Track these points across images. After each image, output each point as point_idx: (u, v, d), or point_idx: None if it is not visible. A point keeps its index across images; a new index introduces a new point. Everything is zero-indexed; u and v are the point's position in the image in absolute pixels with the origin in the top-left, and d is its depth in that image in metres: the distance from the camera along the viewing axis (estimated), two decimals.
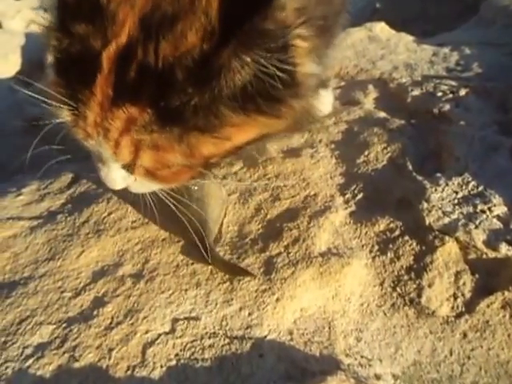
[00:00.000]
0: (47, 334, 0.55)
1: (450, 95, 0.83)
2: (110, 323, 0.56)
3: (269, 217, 0.67)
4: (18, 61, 1.82)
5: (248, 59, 0.39)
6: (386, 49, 1.10)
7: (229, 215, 0.68)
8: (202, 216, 0.62)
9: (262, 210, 0.68)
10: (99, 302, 0.58)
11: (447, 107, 0.80)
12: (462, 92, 0.84)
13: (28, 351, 0.54)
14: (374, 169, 0.72)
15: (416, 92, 0.87)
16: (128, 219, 0.69)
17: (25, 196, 0.78)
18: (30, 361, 0.53)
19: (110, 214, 0.70)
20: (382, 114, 0.84)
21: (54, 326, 0.56)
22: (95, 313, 0.57)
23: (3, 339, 0.56)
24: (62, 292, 0.60)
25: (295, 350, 0.52)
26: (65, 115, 0.47)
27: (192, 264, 0.61)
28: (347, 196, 0.69)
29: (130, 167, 0.49)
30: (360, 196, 0.68)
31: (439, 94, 0.85)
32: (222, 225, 0.66)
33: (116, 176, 0.50)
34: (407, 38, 1.15)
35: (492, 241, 0.58)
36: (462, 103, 0.81)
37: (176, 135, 0.44)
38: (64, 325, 0.56)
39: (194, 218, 0.60)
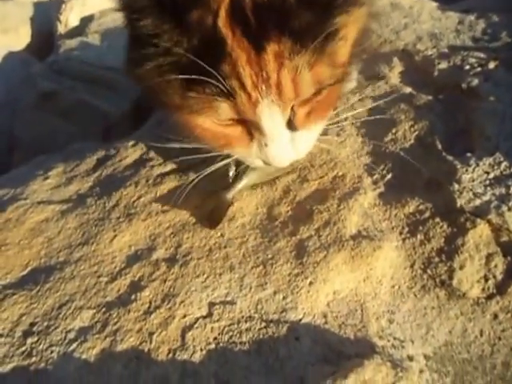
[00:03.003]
0: (88, 319, 0.57)
1: (479, 68, 0.82)
2: (149, 307, 0.57)
3: (298, 199, 0.67)
4: (28, 33, 1.80)
5: None
6: (409, 17, 1.07)
7: (257, 197, 0.68)
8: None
9: (290, 192, 0.68)
10: (136, 287, 0.60)
11: (476, 82, 0.79)
12: (491, 65, 0.82)
13: (71, 335, 0.56)
14: (402, 148, 0.72)
15: (443, 65, 0.85)
16: (158, 202, 0.69)
17: (52, 179, 0.79)
18: (74, 345, 0.55)
19: (139, 197, 0.71)
20: (409, 90, 0.82)
21: (94, 311, 0.58)
22: (133, 297, 0.58)
23: (46, 324, 0.58)
24: (99, 277, 0.62)
25: (330, 332, 0.54)
26: (223, 111, 0.49)
27: (225, 247, 0.62)
28: (375, 177, 0.69)
29: (293, 119, 0.52)
30: (388, 176, 0.68)
31: (467, 67, 0.83)
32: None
33: (284, 143, 0.53)
34: (431, 5, 1.12)
35: None
36: (492, 77, 0.79)
37: (317, 48, 0.48)
38: (103, 309, 0.58)
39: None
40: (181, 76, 0.48)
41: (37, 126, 1.32)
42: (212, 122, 0.53)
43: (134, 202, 0.70)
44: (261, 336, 0.53)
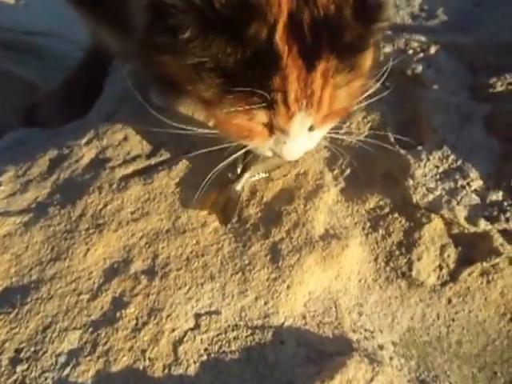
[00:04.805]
0: (76, 340, 0.58)
1: (421, 54, 0.86)
2: (136, 324, 0.59)
3: (265, 199, 0.70)
4: None
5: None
6: None
7: None
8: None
9: (257, 193, 0.70)
10: (119, 303, 0.61)
11: (420, 68, 0.83)
12: (432, 50, 0.86)
13: (62, 359, 0.57)
14: (358, 140, 0.75)
15: (388, 49, 0.89)
16: (126, 210, 0.69)
17: (5, 186, 0.75)
18: (68, 369, 0.56)
19: (105, 205, 0.70)
20: None
21: (81, 331, 0.59)
22: (118, 315, 0.60)
23: (32, 349, 0.58)
24: (79, 295, 0.62)
25: (310, 333, 0.59)
26: (257, 117, 0.53)
27: (202, 256, 0.64)
28: (336, 172, 0.73)
29: (314, 123, 0.56)
30: (348, 171, 0.72)
31: (410, 51, 0.87)
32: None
33: (302, 143, 0.58)
34: None
35: (472, 216, 0.64)
36: (434, 63, 0.84)
37: (353, 62, 0.52)
38: (90, 329, 0.59)
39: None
40: (223, 81, 0.50)
41: None
42: (239, 118, 0.54)
43: (100, 210, 0.70)
44: (248, 343, 0.57)
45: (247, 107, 0.51)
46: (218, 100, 0.52)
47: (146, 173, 0.74)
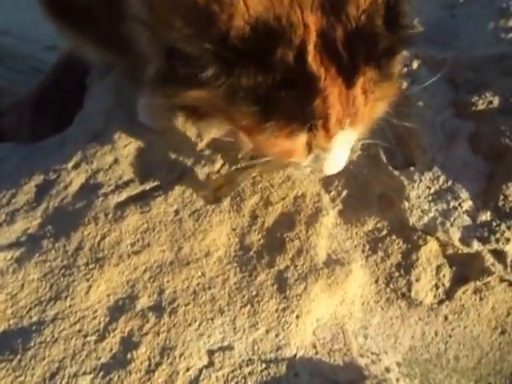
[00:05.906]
0: None
1: (405, 69, 0.87)
2: (149, 365, 0.59)
3: (266, 225, 0.70)
4: None
5: None
6: None
7: (226, 225, 0.70)
8: None
9: (258, 218, 0.70)
10: (129, 344, 0.60)
11: (405, 84, 0.85)
12: (415, 64, 0.88)
13: None
14: (351, 161, 0.76)
15: None
16: (125, 242, 0.68)
17: None
18: None
19: (103, 237, 0.68)
20: None
21: (92, 376, 0.58)
22: (129, 356, 0.59)
23: None
24: (85, 336, 0.61)
25: (322, 362, 0.61)
26: (298, 141, 0.52)
27: (209, 289, 0.64)
28: (332, 193, 0.74)
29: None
30: (344, 193, 0.74)
31: None
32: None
33: (343, 157, 0.57)
34: None
35: (465, 238, 0.67)
36: (417, 79, 0.85)
37: (388, 72, 0.51)
38: (101, 373, 0.58)
39: None
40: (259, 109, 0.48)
41: None
42: (280, 142, 0.53)
43: (98, 243, 0.68)
44: (264, 378, 0.58)
45: (287, 132, 0.50)
46: (259, 127, 0.51)
47: (142, 200, 0.72)
